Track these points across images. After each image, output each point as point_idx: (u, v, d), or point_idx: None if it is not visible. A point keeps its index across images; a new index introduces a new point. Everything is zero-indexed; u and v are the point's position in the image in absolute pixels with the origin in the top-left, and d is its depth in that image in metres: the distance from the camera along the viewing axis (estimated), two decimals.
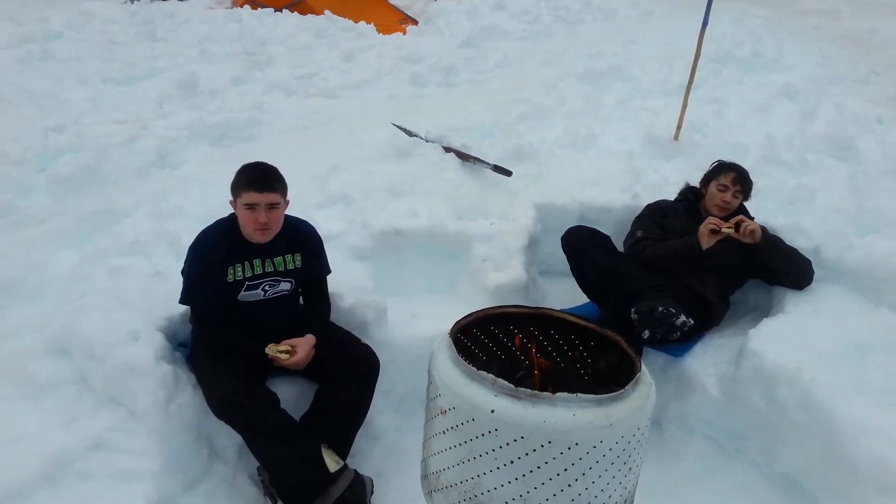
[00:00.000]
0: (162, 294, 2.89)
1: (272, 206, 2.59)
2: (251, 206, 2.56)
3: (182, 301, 2.69)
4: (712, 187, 3.44)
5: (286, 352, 2.62)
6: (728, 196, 3.39)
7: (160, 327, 2.76)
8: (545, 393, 1.73)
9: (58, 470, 2.32)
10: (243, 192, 2.56)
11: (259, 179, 2.58)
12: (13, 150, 4.46)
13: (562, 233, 3.51)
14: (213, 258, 2.64)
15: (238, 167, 2.67)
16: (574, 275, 3.50)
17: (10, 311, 3.01)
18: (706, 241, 3.27)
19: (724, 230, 3.22)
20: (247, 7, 9.29)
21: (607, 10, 10.07)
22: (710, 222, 3.27)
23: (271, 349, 2.61)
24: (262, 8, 9.20)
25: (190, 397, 2.60)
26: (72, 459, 2.35)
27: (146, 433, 2.45)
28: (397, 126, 4.92)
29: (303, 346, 2.66)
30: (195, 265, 2.65)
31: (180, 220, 3.67)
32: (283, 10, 9.14)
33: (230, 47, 7.51)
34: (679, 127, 4.91)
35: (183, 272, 2.70)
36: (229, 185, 2.64)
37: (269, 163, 2.70)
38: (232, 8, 9.56)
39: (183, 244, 3.31)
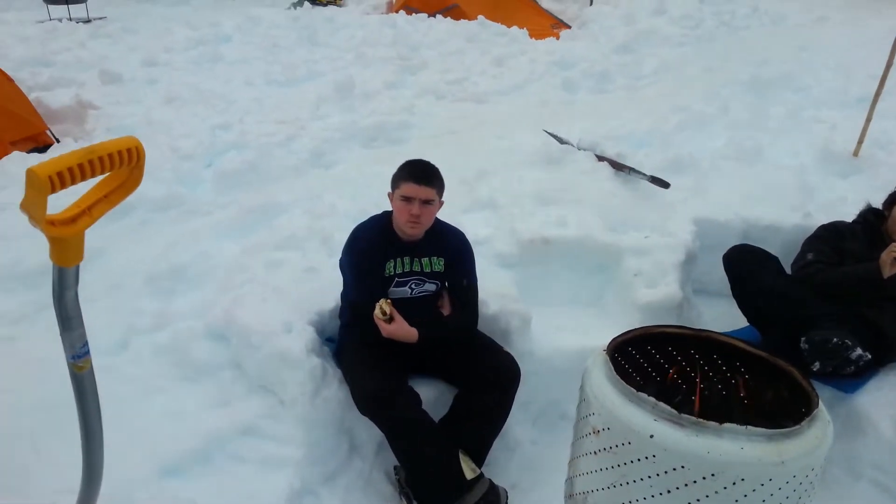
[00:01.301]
0: (314, 288, 2.98)
1: (426, 202, 2.61)
2: (407, 199, 2.59)
3: (346, 294, 2.77)
4: (895, 211, 3.14)
5: (387, 315, 2.56)
6: None
7: (311, 321, 2.84)
8: (711, 422, 1.60)
9: (213, 449, 2.44)
10: (402, 183, 2.60)
11: (419, 172, 2.62)
12: (185, 145, 4.80)
13: (722, 251, 3.29)
14: (374, 252, 2.68)
15: (388, 168, 2.71)
16: (735, 297, 3.27)
17: (177, 296, 3.21)
18: (888, 269, 2.94)
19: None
20: (401, 12, 9.54)
21: (776, 15, 9.49)
22: (894, 249, 2.96)
23: (382, 303, 2.56)
24: (416, 13, 9.41)
25: (336, 391, 2.64)
26: (225, 441, 2.46)
27: (293, 422, 2.52)
28: (549, 133, 4.83)
29: (398, 324, 2.57)
30: (356, 259, 2.70)
31: (333, 218, 3.78)
32: (437, 16, 9.32)
33: (384, 52, 7.73)
34: (860, 142, 4.49)
35: (342, 267, 2.76)
36: (382, 184, 2.69)
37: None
38: (387, 13, 9.85)
39: (335, 241, 3.41)
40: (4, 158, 4.60)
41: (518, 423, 3.06)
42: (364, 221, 2.81)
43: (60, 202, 1.24)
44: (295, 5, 10.35)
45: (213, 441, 2.45)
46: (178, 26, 8.48)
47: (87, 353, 1.42)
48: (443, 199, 2.72)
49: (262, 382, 2.66)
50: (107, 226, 3.09)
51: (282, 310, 2.80)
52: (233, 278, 3.21)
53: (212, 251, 3.53)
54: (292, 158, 4.82)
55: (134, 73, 7.01)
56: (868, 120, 4.46)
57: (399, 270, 2.72)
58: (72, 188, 1.20)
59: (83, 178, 1.19)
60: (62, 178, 1.14)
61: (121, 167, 1.28)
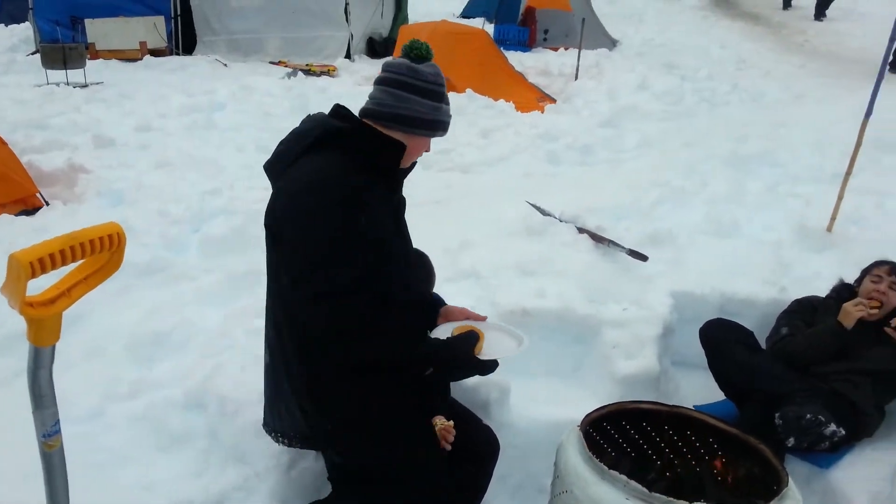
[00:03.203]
0: None
1: None
2: None
3: None
4: (866, 282, 3.28)
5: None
6: (883, 286, 3.19)
7: None
8: (681, 501, 1.62)
9: None
10: None
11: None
12: (174, 210, 4.85)
13: (699, 324, 3.36)
14: None
15: None
16: (712, 371, 3.31)
17: (157, 363, 3.20)
18: (849, 320, 3.07)
19: (870, 311, 3.08)
20: None
21: (755, 92, 9.79)
22: (855, 301, 3.11)
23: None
24: None
25: (312, 462, 2.62)
26: None
27: (267, 496, 2.48)
28: (531, 204, 4.93)
29: None
30: None
31: None
32: None
33: None
34: (834, 218, 4.60)
35: None
36: None
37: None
38: None
39: None
40: None
41: (496, 497, 3.03)
42: None
43: (40, 281, 1.28)
44: (289, 75, 10.61)
45: None
46: (173, 93, 8.65)
47: (58, 431, 1.44)
48: None
49: (237, 453, 2.63)
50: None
51: (261, 378, 2.79)
52: (213, 345, 3.21)
53: (194, 318, 3.53)
54: None
55: (127, 137, 7.11)
56: (840, 197, 4.58)
57: None
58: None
59: (64, 264, 1.24)
60: (43, 263, 1.19)
61: (102, 252, 1.32)
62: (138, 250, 4.12)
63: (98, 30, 11.92)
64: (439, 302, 2.55)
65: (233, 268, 4.05)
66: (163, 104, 8.18)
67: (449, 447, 2.50)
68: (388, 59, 2.21)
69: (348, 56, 12.78)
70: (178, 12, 12.45)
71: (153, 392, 2.91)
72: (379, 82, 2.15)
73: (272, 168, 2.27)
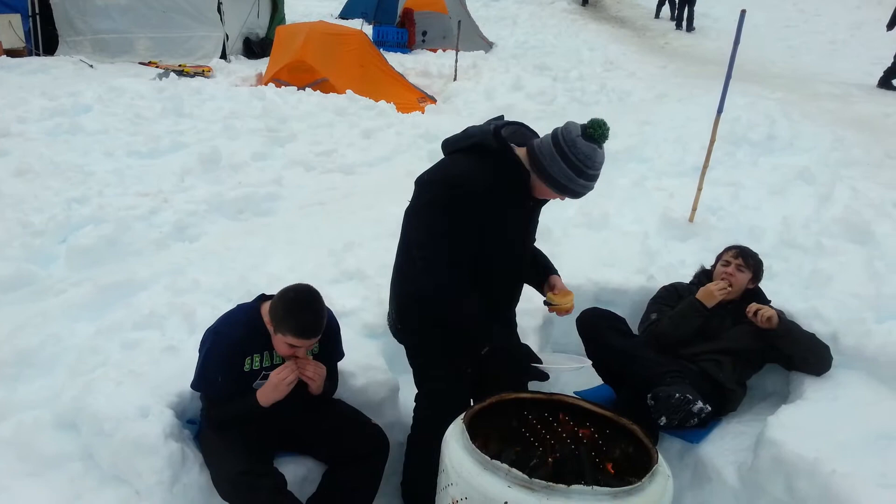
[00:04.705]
0: (173, 369, 2.87)
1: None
2: (292, 346, 2.52)
3: (194, 386, 2.66)
4: (717, 266, 3.57)
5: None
6: (730, 269, 3.47)
7: (170, 403, 2.73)
8: (560, 485, 1.70)
9: None
10: (288, 334, 2.48)
11: (306, 328, 2.49)
12: (36, 220, 4.56)
13: (576, 314, 3.50)
14: (233, 349, 2.60)
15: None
16: (589, 357, 3.47)
17: (22, 384, 3.02)
18: (711, 300, 3.36)
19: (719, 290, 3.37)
20: (271, 85, 9.59)
21: (622, 91, 10.29)
22: (715, 283, 3.42)
23: None
24: (285, 86, 9.49)
25: (196, 476, 2.55)
26: None
27: None
28: None
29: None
30: (213, 354, 2.59)
31: (196, 293, 3.70)
32: (306, 89, 9.42)
33: (253, 123, 7.71)
34: (694, 209, 4.93)
35: (200, 352, 2.67)
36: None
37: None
38: (256, 86, 9.87)
39: (197, 318, 3.33)
40: None
41: (387, 496, 3.06)
42: (231, 313, 2.70)
43: None
44: (161, 76, 10.14)
45: None
46: (33, 96, 8.06)
47: None
48: None
49: (115, 472, 2.52)
50: None
51: (138, 393, 2.69)
52: (85, 362, 3.06)
53: (63, 333, 3.35)
54: (154, 232, 4.68)
55: None
56: (699, 189, 4.91)
57: (268, 364, 2.66)
58: None
59: None
60: None
61: None
62: None
63: None
64: (550, 270, 2.94)
65: (104, 279, 3.86)
66: (22, 108, 7.60)
67: (312, 384, 2.63)
68: (571, 125, 2.45)
69: (224, 56, 12.39)
70: (37, 10, 11.62)
71: (20, 414, 2.75)
72: (554, 137, 2.43)
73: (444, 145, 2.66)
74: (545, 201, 2.71)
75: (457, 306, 2.49)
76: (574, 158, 2.38)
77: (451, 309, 2.51)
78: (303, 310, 2.49)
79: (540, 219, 2.75)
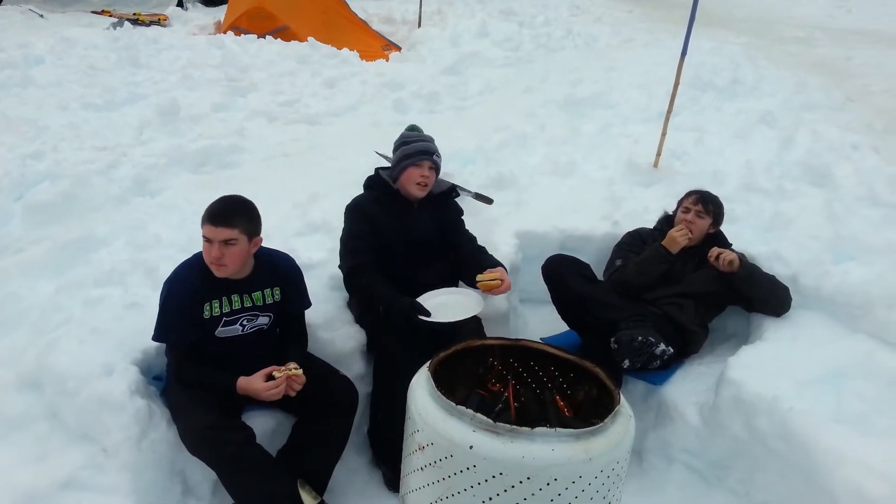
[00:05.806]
0: (137, 325, 2.85)
1: (227, 242, 2.51)
2: (207, 240, 2.52)
3: (155, 337, 2.64)
4: (679, 213, 3.61)
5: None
6: (690, 216, 3.51)
7: (135, 360, 2.72)
8: (524, 428, 1.72)
9: None
10: (203, 224, 2.52)
11: (216, 213, 2.51)
12: None
13: (542, 261, 3.53)
14: (190, 294, 2.59)
15: (219, 194, 2.64)
16: (555, 304, 3.51)
17: None
18: (675, 245, 3.41)
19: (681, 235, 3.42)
20: (230, 33, 9.31)
21: (588, 37, 10.17)
22: (677, 228, 3.45)
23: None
24: (245, 34, 9.21)
25: (164, 432, 2.56)
26: (42, 499, 2.31)
27: (118, 470, 2.41)
28: (380, 154, 4.92)
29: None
30: (170, 301, 2.59)
31: (158, 249, 3.64)
32: (267, 37, 9.16)
33: (212, 73, 7.50)
34: (659, 154, 4.94)
35: (159, 304, 2.65)
36: None
37: (248, 196, 2.66)
38: (215, 34, 9.58)
39: (160, 273, 3.28)
40: None
41: (358, 447, 3.10)
42: (185, 260, 2.70)
43: None
44: (115, 25, 9.77)
45: (29, 500, 2.29)
46: None
47: None
48: (259, 234, 2.64)
49: (82, 431, 2.51)
50: None
51: (102, 351, 2.67)
52: (47, 321, 3.01)
53: (22, 292, 3.28)
54: (113, 187, 4.57)
55: None
56: (663, 134, 4.92)
57: (227, 309, 2.66)
58: None
59: None
60: None
61: None
62: None
63: None
64: (490, 264, 3.24)
65: (63, 236, 3.77)
66: None
67: (293, 394, 2.54)
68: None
69: (180, 4, 11.99)
70: None
71: None
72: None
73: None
74: (442, 201, 3.40)
75: (356, 280, 3.15)
76: (400, 140, 3.31)
77: (352, 283, 3.19)
78: (220, 199, 2.57)
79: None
